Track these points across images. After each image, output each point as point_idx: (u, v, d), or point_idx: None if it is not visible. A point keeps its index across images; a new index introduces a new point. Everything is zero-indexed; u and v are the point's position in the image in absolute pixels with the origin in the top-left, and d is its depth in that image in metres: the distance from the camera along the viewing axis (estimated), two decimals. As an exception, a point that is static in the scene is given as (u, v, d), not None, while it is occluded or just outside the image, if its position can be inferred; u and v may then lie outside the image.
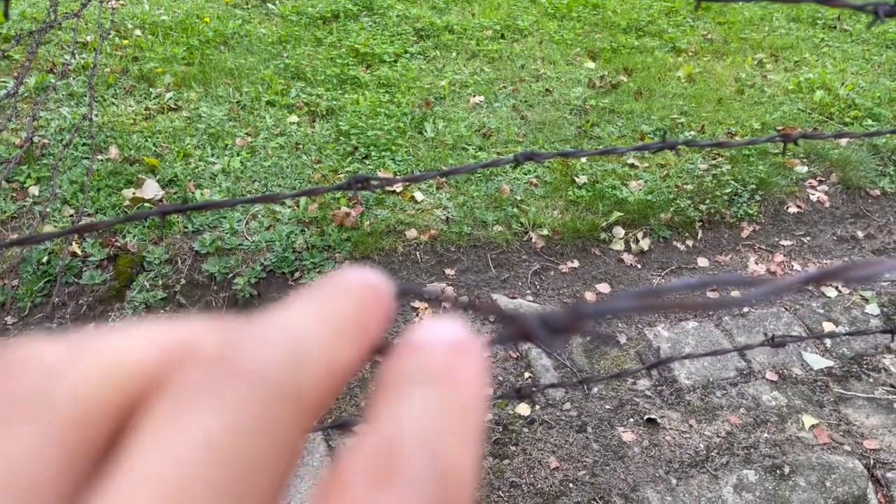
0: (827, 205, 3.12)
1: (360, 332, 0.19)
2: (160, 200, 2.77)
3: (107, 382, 0.17)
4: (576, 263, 2.75)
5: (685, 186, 3.05)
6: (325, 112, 3.39)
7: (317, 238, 2.64)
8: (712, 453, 2.04)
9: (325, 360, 0.18)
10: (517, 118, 3.49)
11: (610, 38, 4.34)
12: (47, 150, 2.94)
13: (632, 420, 2.13)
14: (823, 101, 3.73)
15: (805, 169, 3.23)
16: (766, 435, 2.09)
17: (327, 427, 1.10)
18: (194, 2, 4.37)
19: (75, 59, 3.52)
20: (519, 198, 2.94)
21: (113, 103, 3.32)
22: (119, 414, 0.17)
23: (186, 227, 2.62)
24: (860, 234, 3.00)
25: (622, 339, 2.41)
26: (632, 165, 3.17)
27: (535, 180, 3.04)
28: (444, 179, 2.95)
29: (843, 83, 3.91)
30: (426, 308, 2.46)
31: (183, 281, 2.49)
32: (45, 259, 2.49)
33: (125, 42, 3.79)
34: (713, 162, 3.19)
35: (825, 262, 2.83)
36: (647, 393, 2.21)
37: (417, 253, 2.69)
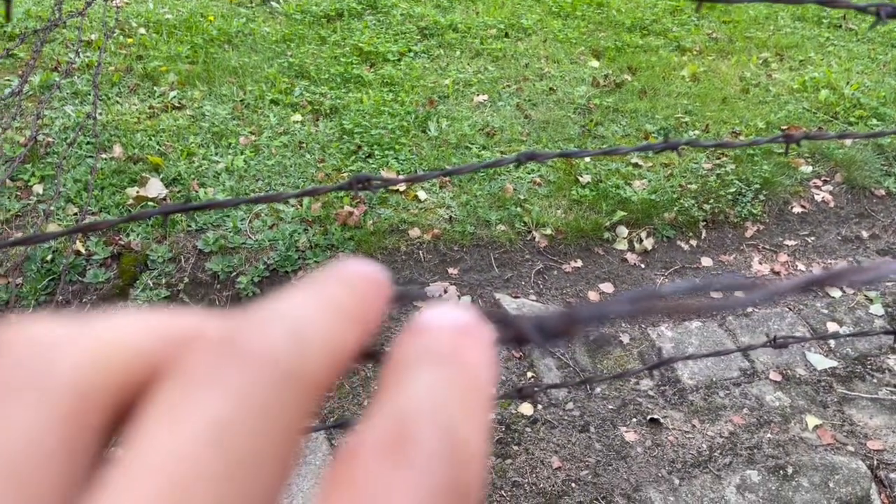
0: (831, 204, 3.11)
1: (359, 319, 0.19)
2: (164, 199, 2.77)
3: (107, 361, 0.17)
4: (579, 263, 2.75)
5: (689, 186, 3.05)
6: (328, 111, 3.39)
7: (320, 237, 2.64)
8: (715, 453, 2.04)
9: (325, 344, 0.18)
10: (521, 117, 3.48)
11: (614, 37, 4.33)
12: (51, 149, 2.94)
13: (635, 420, 2.13)
14: (828, 100, 3.72)
15: (809, 168, 3.22)
16: (769, 435, 2.09)
17: (330, 426, 1.10)
18: (198, 0, 4.37)
19: (79, 57, 3.52)
20: (522, 197, 2.94)
21: (117, 102, 3.32)
22: (120, 393, 0.17)
23: (190, 226, 2.62)
24: (865, 234, 2.99)
25: (625, 339, 2.41)
26: (635, 165, 3.16)
27: (538, 179, 3.03)
28: (447, 178, 2.94)
29: (848, 82, 3.90)
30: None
31: (186, 279, 2.49)
32: (49, 257, 2.50)
33: (129, 40, 3.79)
34: (717, 161, 3.18)
35: (830, 262, 2.82)
36: (650, 393, 2.21)
37: (420, 252, 2.69)
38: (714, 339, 2.39)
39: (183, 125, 3.18)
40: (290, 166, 3.00)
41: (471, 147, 3.21)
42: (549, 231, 2.83)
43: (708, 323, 2.44)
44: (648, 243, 2.85)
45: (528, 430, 2.08)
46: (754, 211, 3.00)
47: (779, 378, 2.27)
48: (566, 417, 2.12)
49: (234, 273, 2.52)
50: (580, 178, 3.05)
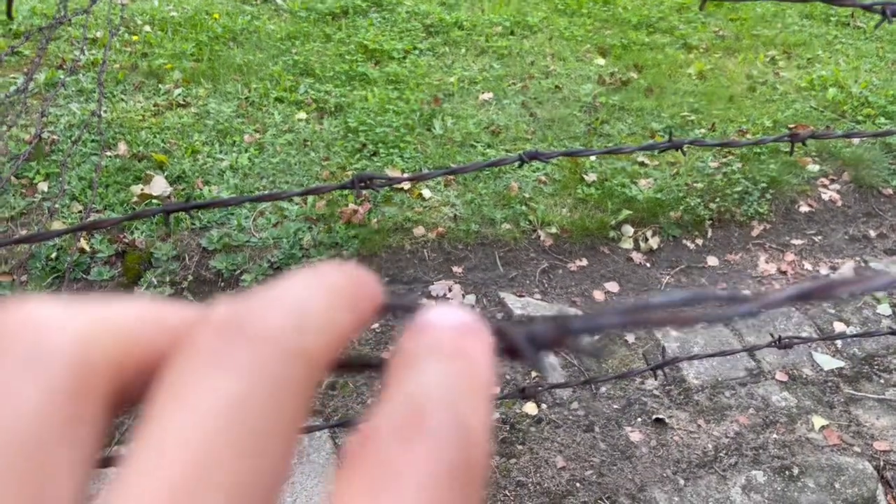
0: (839, 204, 3.09)
1: (354, 303, 0.20)
2: (168, 197, 2.77)
3: (106, 338, 0.17)
4: (584, 262, 2.74)
5: (695, 185, 3.04)
6: (333, 109, 3.39)
7: (324, 235, 2.64)
8: (721, 454, 2.03)
9: (325, 323, 0.19)
10: (526, 115, 3.47)
11: (620, 35, 4.32)
12: (56, 147, 2.95)
13: (640, 420, 2.12)
14: (836, 98, 3.70)
15: (817, 167, 3.21)
16: (775, 436, 2.08)
17: (333, 425, 1.10)
18: (204, -2, 4.38)
19: (84, 55, 3.53)
20: (527, 195, 2.93)
21: (122, 99, 3.33)
22: (120, 371, 0.17)
23: (194, 224, 2.63)
24: (872, 233, 2.97)
25: (630, 339, 2.40)
26: (641, 163, 3.15)
27: (543, 178, 3.03)
28: (451, 177, 2.94)
29: (856, 81, 3.88)
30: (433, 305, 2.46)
31: (190, 277, 2.49)
32: (53, 255, 2.50)
33: (134, 38, 3.80)
34: (723, 160, 3.17)
35: (837, 261, 2.81)
36: (656, 392, 2.20)
37: (425, 250, 2.69)
38: (720, 338, 2.38)
39: (187, 123, 3.19)
40: (295, 164, 3.00)
41: (476, 145, 3.21)
42: (554, 230, 2.82)
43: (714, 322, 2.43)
44: (654, 242, 2.84)
45: (532, 429, 2.07)
46: (761, 210, 2.99)
47: (785, 378, 2.26)
48: (571, 417, 2.12)
49: (238, 271, 2.52)
50: (586, 177, 3.04)
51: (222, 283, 2.50)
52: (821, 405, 2.18)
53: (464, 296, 2.53)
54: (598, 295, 2.59)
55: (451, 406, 0.18)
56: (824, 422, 2.13)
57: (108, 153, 2.95)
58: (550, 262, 2.73)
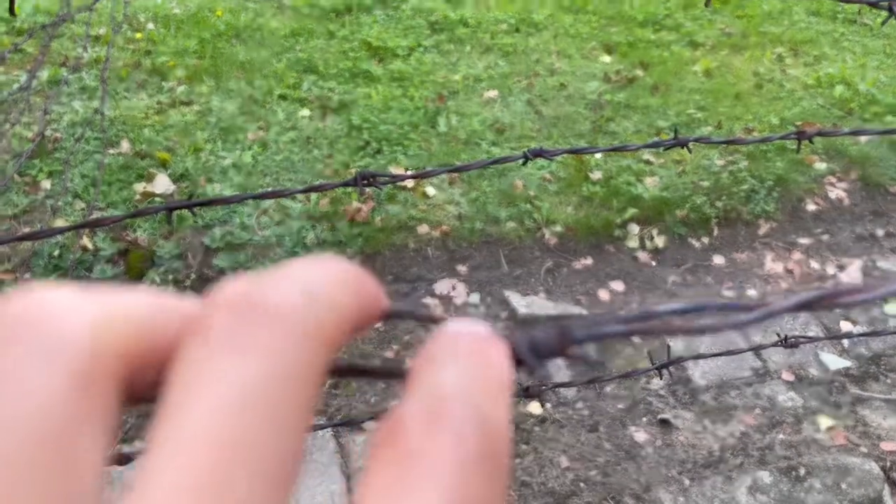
0: (846, 202, 3.08)
1: (358, 289, 0.20)
2: (171, 195, 2.77)
3: (118, 323, 0.17)
4: (589, 261, 2.74)
5: (701, 183, 3.03)
6: (336, 106, 3.38)
7: (328, 233, 2.64)
8: (726, 454, 2.02)
9: (334, 304, 0.19)
10: (531, 113, 3.47)
11: (626, 32, 4.31)
12: (59, 145, 2.95)
13: (645, 420, 2.11)
14: (843, 96, 3.69)
15: (824, 166, 3.20)
16: (781, 436, 2.07)
17: (336, 424, 1.09)
18: (207, -5, 4.37)
19: (87, 52, 3.53)
20: (532, 194, 2.92)
21: (125, 97, 3.33)
22: (132, 357, 0.17)
23: (197, 222, 2.63)
24: (880, 232, 2.96)
25: (636, 338, 2.39)
26: (647, 161, 3.15)
27: (548, 176, 3.02)
28: (456, 175, 2.94)
29: (863, 78, 3.86)
30: (437, 305, 2.46)
31: (193, 276, 2.50)
32: (56, 253, 2.50)
33: (137, 35, 3.80)
34: (730, 158, 3.16)
35: (844, 260, 2.80)
36: (661, 392, 2.19)
37: (429, 249, 2.68)
38: (726, 338, 2.37)
39: (190, 121, 3.19)
40: (298, 162, 3.00)
41: (480, 143, 3.20)
42: (559, 228, 2.82)
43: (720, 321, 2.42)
44: (660, 241, 2.83)
45: (536, 429, 2.07)
46: (767, 208, 2.98)
47: (791, 378, 2.25)
48: (575, 417, 2.11)
49: (241, 270, 2.52)
50: (591, 175, 3.03)
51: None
52: (827, 405, 2.18)
53: (468, 294, 2.53)
54: (604, 294, 2.58)
55: (471, 399, 0.18)
56: (831, 422, 2.12)
57: (111, 151, 2.95)
58: (555, 260, 2.73)
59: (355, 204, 2.73)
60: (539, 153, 1.04)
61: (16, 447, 0.15)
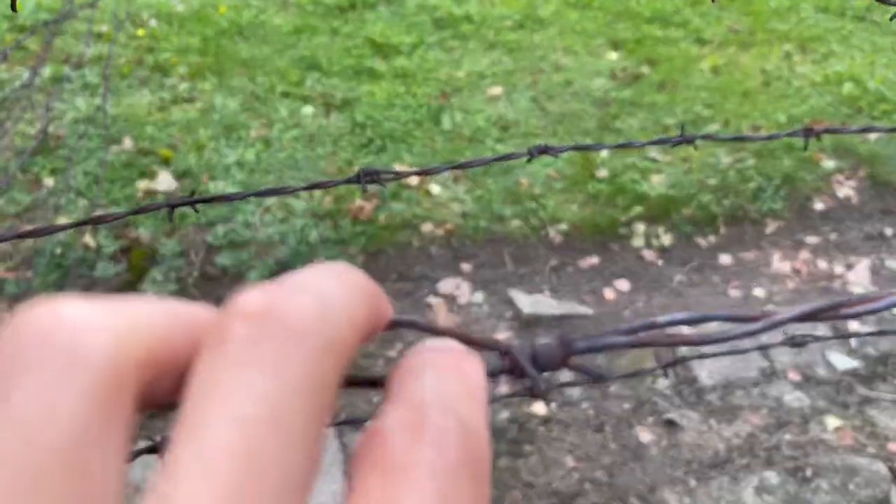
0: (854, 201, 3.07)
1: (370, 299, 0.20)
2: (174, 192, 2.78)
3: (137, 337, 0.17)
4: (595, 259, 2.73)
5: (708, 181, 3.02)
6: (340, 103, 3.38)
7: (331, 231, 2.64)
8: (733, 455, 2.01)
9: (349, 315, 0.19)
10: (536, 110, 3.46)
11: (633, 29, 4.29)
12: (62, 142, 2.95)
13: (650, 420, 2.11)
14: (852, 94, 3.67)
15: (832, 164, 3.18)
16: (788, 436, 2.06)
17: (339, 423, 1.08)
18: (211, -9, 4.37)
19: (90, 49, 3.53)
20: (537, 192, 2.92)
21: (127, 94, 3.33)
22: (150, 370, 0.17)
23: (199, 220, 2.63)
24: (889, 231, 2.95)
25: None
26: (653, 159, 3.14)
27: (554, 174, 3.01)
28: (460, 172, 2.94)
29: (872, 76, 3.85)
30: (441, 304, 2.46)
31: (196, 274, 2.50)
32: (58, 251, 2.50)
33: (140, 33, 3.79)
34: (737, 156, 3.15)
35: (852, 259, 2.79)
36: (667, 392, 2.19)
37: (433, 247, 2.68)
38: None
39: (193, 118, 3.18)
40: (301, 159, 3.00)
41: (485, 141, 3.19)
42: (564, 226, 2.81)
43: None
44: (666, 239, 2.82)
45: (541, 429, 2.07)
46: (775, 207, 2.97)
47: (798, 378, 2.24)
48: (580, 417, 2.11)
49: (244, 268, 2.52)
50: (597, 173, 3.02)
51: (228, 280, 2.51)
52: (835, 405, 2.16)
53: (472, 293, 2.52)
54: (609, 293, 2.58)
55: (451, 407, 0.19)
56: (838, 422, 2.11)
57: (114, 148, 2.95)
58: (560, 259, 2.72)
59: (358, 202, 2.73)
60: (544, 150, 1.03)
61: (42, 468, 0.15)
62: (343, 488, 1.85)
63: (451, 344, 0.22)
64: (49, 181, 2.77)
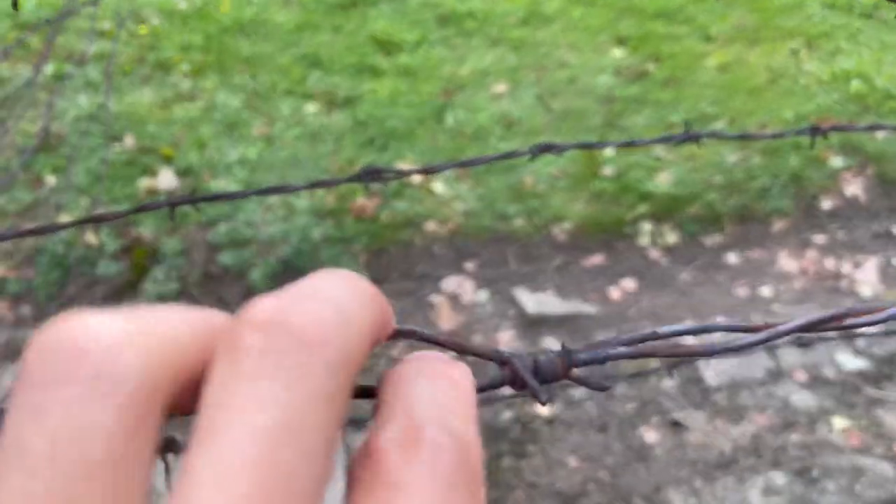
0: (862, 199, 3.05)
1: (378, 308, 0.21)
2: (176, 191, 2.78)
3: (167, 355, 0.17)
4: (600, 258, 2.73)
5: (714, 179, 3.01)
6: (342, 101, 3.38)
7: (333, 230, 2.64)
8: (738, 455, 2.00)
9: (360, 324, 0.19)
10: (541, 108, 3.46)
11: (638, 25, 4.28)
12: (64, 140, 2.96)
13: (655, 420, 2.10)
14: (859, 91, 3.66)
15: (840, 162, 3.16)
16: (794, 437, 2.05)
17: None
18: (213, -12, 4.38)
19: (92, 46, 3.53)
20: (541, 190, 2.91)
21: (129, 92, 3.33)
22: (177, 386, 0.18)
23: (201, 219, 2.64)
24: (896, 230, 2.95)
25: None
26: (659, 157, 3.13)
27: (558, 172, 3.01)
28: (463, 171, 2.94)
29: (879, 73, 3.83)
30: (444, 303, 2.45)
31: (197, 273, 2.51)
32: (60, 250, 2.51)
33: (143, 31, 3.80)
34: (743, 154, 3.14)
35: (859, 258, 2.77)
36: (672, 392, 2.18)
37: (436, 246, 2.68)
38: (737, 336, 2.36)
39: (195, 116, 3.18)
40: (304, 158, 2.99)
41: (489, 138, 3.19)
42: (568, 225, 2.80)
43: (733, 319, 2.42)
44: (671, 238, 2.81)
45: (544, 429, 2.06)
46: (781, 205, 2.95)
47: (805, 378, 2.23)
48: (584, 417, 2.10)
49: (246, 267, 2.52)
50: (601, 171, 3.02)
51: (229, 279, 2.51)
52: (841, 406, 2.15)
53: (475, 292, 2.52)
54: (614, 292, 2.57)
55: (443, 421, 0.19)
56: (845, 423, 2.10)
57: (116, 147, 2.96)
58: (565, 258, 2.71)
59: (361, 200, 2.73)
60: (547, 147, 1.03)
61: (76, 483, 0.15)
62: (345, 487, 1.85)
63: (438, 355, 0.22)
64: (51, 179, 2.78)
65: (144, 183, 2.78)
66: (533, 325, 2.42)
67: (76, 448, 0.15)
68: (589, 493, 1.91)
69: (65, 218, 2.61)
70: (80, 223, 0.82)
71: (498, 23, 4.21)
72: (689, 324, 0.32)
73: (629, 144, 1.01)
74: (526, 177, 2.94)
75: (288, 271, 2.54)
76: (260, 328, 0.17)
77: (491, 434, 2.02)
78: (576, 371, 0.29)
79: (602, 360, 0.29)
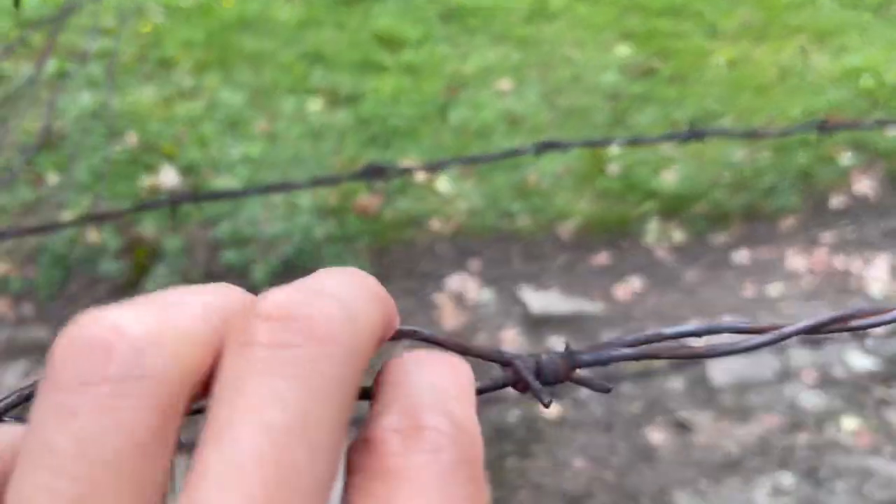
0: (872, 197, 3.04)
1: (384, 305, 0.21)
2: (178, 189, 2.79)
3: (190, 353, 0.18)
4: (606, 256, 2.72)
5: (721, 177, 3.00)
6: (345, 99, 3.38)
7: (336, 228, 2.65)
8: (746, 456, 2.00)
9: (369, 322, 0.19)
10: (545, 105, 3.46)
11: (644, 22, 4.28)
12: (65, 139, 2.98)
13: (662, 420, 2.09)
14: (868, 88, 3.65)
15: (849, 159, 3.15)
16: (802, 437, 2.04)
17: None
18: (216, -15, 4.39)
19: (94, 44, 3.54)
20: (546, 188, 2.91)
21: (132, 90, 3.34)
22: (196, 381, 0.18)
23: (204, 217, 2.65)
24: (907, 227, 2.93)
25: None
26: (665, 155, 3.13)
27: (563, 169, 3.01)
28: (468, 168, 2.95)
29: (889, 69, 3.82)
30: (447, 302, 2.45)
31: (199, 271, 2.52)
32: (62, 248, 2.52)
33: (145, 29, 3.81)
34: (751, 151, 3.14)
35: (869, 256, 2.76)
36: (678, 392, 2.17)
37: (439, 244, 2.68)
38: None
39: (198, 113, 3.19)
40: (306, 156, 3.00)
41: (493, 136, 3.18)
42: (574, 223, 2.80)
43: (740, 318, 2.41)
44: (678, 236, 2.80)
45: (550, 429, 2.05)
46: (790, 203, 2.94)
47: (814, 378, 2.22)
48: (590, 417, 2.09)
49: (249, 265, 2.52)
50: (607, 169, 3.01)
51: (232, 278, 2.50)
52: (850, 406, 2.14)
53: (480, 291, 2.52)
54: (620, 291, 2.56)
55: (444, 405, 0.19)
56: (854, 424, 2.09)
57: (118, 144, 2.96)
58: (570, 256, 2.70)
59: (364, 198, 2.73)
60: (551, 145, 1.02)
61: (101, 479, 0.15)
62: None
63: (434, 350, 0.22)
64: (52, 178, 2.78)
65: (146, 181, 2.79)
66: (537, 324, 2.41)
67: (103, 446, 0.16)
68: (594, 493, 1.90)
69: (66, 216, 2.62)
70: (82, 221, 0.82)
71: (502, 19, 4.21)
72: (694, 324, 0.31)
73: (634, 142, 1.00)
74: (530, 175, 2.93)
75: (290, 270, 2.54)
76: (271, 322, 0.18)
77: (496, 434, 2.02)
78: (579, 372, 0.29)
79: (605, 362, 0.28)
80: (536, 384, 0.27)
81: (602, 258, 2.70)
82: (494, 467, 1.94)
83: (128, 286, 2.47)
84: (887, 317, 0.33)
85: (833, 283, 2.64)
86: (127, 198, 2.72)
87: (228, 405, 0.17)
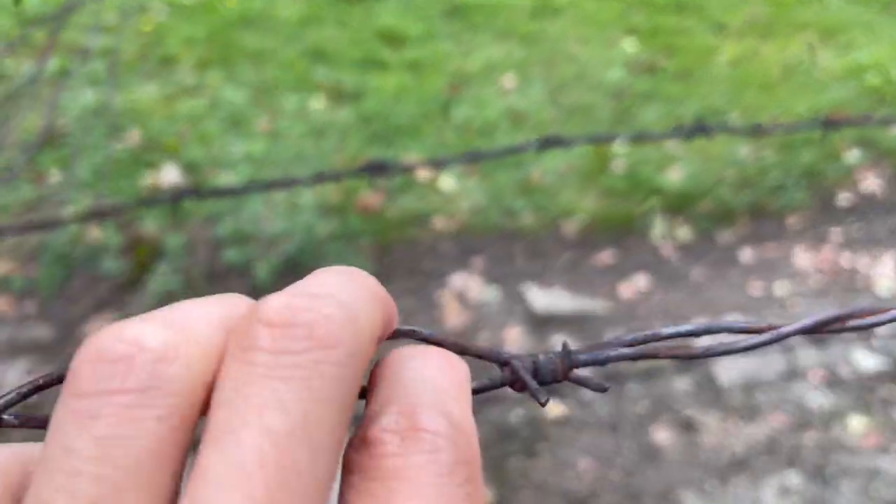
0: (879, 194, 3.03)
1: (383, 305, 0.21)
2: (180, 186, 2.80)
3: (205, 363, 0.18)
4: (610, 254, 2.70)
5: (727, 174, 2.99)
6: (348, 96, 3.38)
7: (338, 226, 2.64)
8: (752, 455, 1.99)
9: (369, 324, 0.19)
10: (549, 102, 3.46)
11: (649, 18, 4.28)
12: (67, 136, 2.98)
13: (667, 419, 2.08)
14: (875, 85, 3.64)
15: (856, 157, 3.14)
16: (809, 437, 2.04)
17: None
18: (219, -17, 4.40)
19: (96, 41, 3.54)
20: (550, 185, 2.90)
21: (134, 87, 3.34)
22: (208, 390, 0.18)
23: (206, 214, 2.65)
24: (915, 224, 2.92)
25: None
26: (670, 152, 3.13)
27: (567, 167, 3.00)
28: (471, 166, 2.94)
29: (895, 66, 3.82)
30: (450, 300, 2.45)
31: (201, 269, 2.51)
32: (64, 246, 2.52)
33: (147, 28, 3.82)
34: (757, 149, 3.13)
35: (876, 253, 2.74)
36: (685, 392, 2.16)
37: (442, 242, 2.67)
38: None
39: (200, 111, 3.18)
40: (308, 153, 3.00)
41: (496, 133, 3.18)
42: (578, 221, 2.79)
43: (746, 317, 2.41)
44: (683, 234, 2.79)
45: (554, 429, 2.05)
46: (796, 201, 2.93)
47: (821, 377, 2.21)
48: (595, 416, 2.09)
49: (250, 263, 2.52)
50: (612, 166, 3.00)
51: (234, 276, 2.51)
52: (857, 405, 2.13)
53: (482, 289, 2.51)
54: (625, 289, 2.55)
55: (441, 404, 0.19)
56: (861, 423, 2.08)
57: (120, 142, 2.96)
58: (574, 254, 2.69)
59: (366, 196, 2.73)
60: (555, 141, 1.01)
61: (120, 483, 0.16)
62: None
63: (430, 346, 0.22)
64: (54, 175, 2.78)
65: (148, 179, 2.79)
66: (541, 322, 2.40)
67: (122, 451, 0.16)
68: (599, 493, 1.89)
69: (68, 214, 2.62)
70: (83, 217, 0.81)
71: (506, 16, 4.20)
72: (695, 323, 0.31)
73: (637, 138, 0.99)
74: (534, 172, 2.93)
75: (292, 267, 2.54)
76: (272, 327, 0.18)
77: (499, 433, 2.01)
78: (577, 371, 0.29)
79: (602, 362, 0.28)
80: (533, 384, 0.27)
81: (606, 256, 2.69)
82: (497, 467, 1.93)
83: (129, 284, 2.47)
84: (886, 316, 0.33)
85: (840, 281, 2.63)
86: (129, 196, 2.73)
87: (230, 408, 0.17)
